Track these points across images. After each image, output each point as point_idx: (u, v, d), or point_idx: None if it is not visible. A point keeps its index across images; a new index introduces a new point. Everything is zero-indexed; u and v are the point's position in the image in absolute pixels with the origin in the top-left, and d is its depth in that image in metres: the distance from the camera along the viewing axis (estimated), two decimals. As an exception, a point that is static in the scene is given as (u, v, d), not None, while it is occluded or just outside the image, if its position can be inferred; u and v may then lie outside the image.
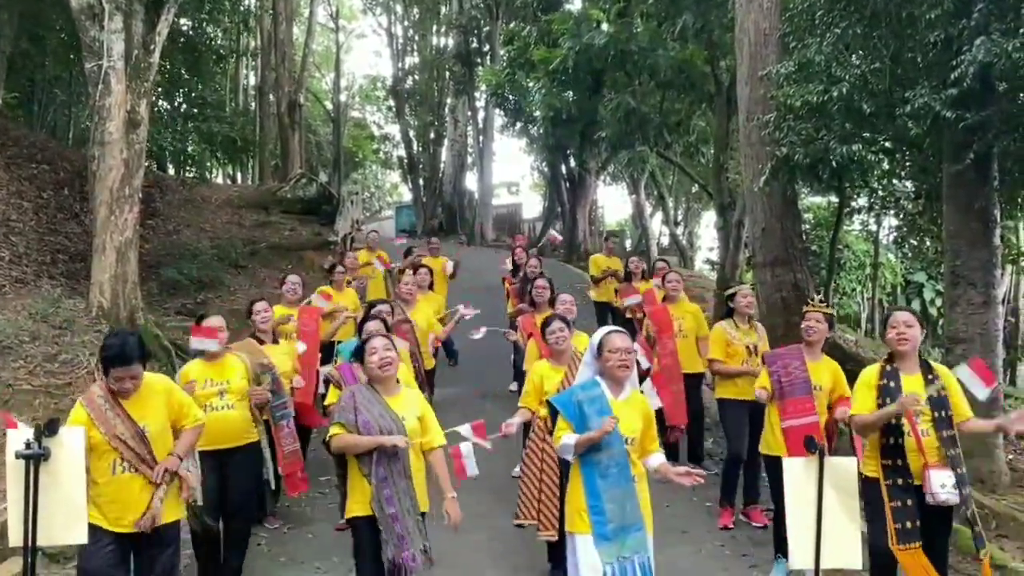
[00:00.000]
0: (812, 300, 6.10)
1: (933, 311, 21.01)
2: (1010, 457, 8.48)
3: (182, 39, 20.36)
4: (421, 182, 34.16)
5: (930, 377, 4.69)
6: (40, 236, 12.54)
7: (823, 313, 5.86)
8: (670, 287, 8.61)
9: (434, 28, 34.55)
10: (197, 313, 12.35)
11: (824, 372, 5.82)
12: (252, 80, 34.19)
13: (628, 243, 32.99)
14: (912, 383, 4.66)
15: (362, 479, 4.30)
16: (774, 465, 5.69)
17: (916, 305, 21.70)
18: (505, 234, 30.14)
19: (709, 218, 33.36)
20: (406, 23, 35.12)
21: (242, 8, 26.60)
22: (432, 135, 34.49)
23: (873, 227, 17.81)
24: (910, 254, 18.18)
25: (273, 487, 6.27)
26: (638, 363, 5.34)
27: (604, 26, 18.18)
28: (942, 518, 4.63)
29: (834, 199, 14.83)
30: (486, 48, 29.55)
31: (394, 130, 38.29)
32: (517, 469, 6.96)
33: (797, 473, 4.32)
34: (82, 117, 19.28)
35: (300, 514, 7.22)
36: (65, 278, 11.65)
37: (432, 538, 6.38)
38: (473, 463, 4.97)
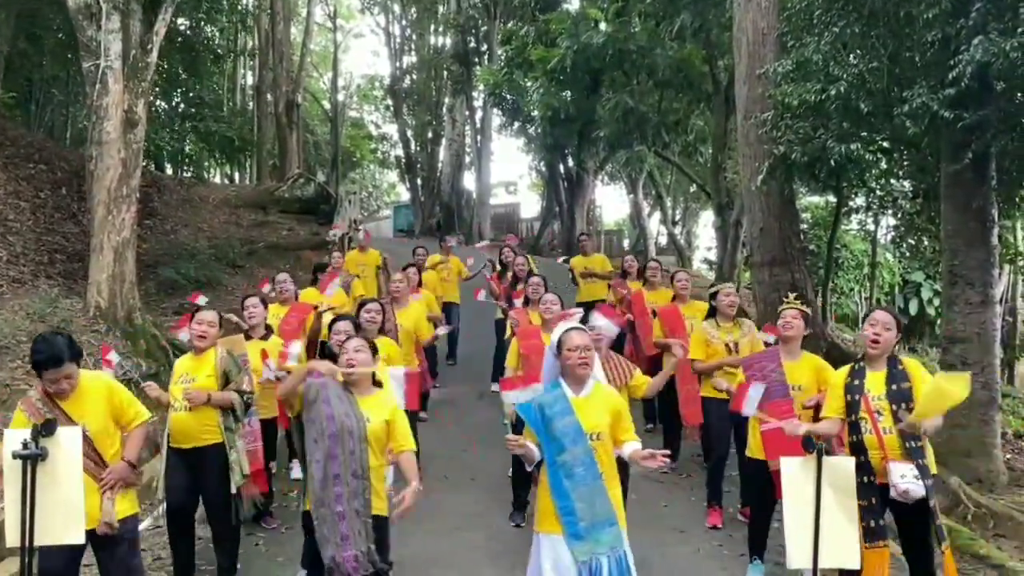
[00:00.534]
0: (787, 298, 6.09)
1: (931, 310, 21.02)
2: (1008, 457, 8.50)
3: (180, 39, 20.36)
4: (419, 182, 34.12)
5: (895, 371, 4.72)
6: (37, 236, 12.53)
7: (799, 310, 5.85)
8: (679, 286, 8.54)
9: (432, 28, 34.50)
10: (193, 310, 12.44)
11: (804, 370, 5.73)
12: (250, 80, 34.13)
13: (626, 243, 33.02)
14: (875, 379, 4.73)
15: None
16: (755, 468, 5.73)
17: (914, 304, 21.71)
18: (503, 234, 30.14)
19: (707, 217, 33.45)
20: (404, 22, 35.08)
21: (240, 8, 26.58)
22: (430, 135, 34.45)
23: (871, 226, 17.81)
24: (908, 253, 18.19)
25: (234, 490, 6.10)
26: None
27: (602, 25, 18.18)
28: (917, 514, 4.61)
29: (832, 199, 14.86)
30: (484, 48, 29.53)
31: (392, 130, 38.29)
32: (511, 469, 6.98)
33: (795, 472, 4.32)
34: (79, 117, 19.27)
35: (297, 514, 7.20)
36: (63, 278, 11.65)
37: (430, 538, 6.41)
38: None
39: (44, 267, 11.79)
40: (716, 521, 6.83)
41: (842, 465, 4.34)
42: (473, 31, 29.54)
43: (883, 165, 11.04)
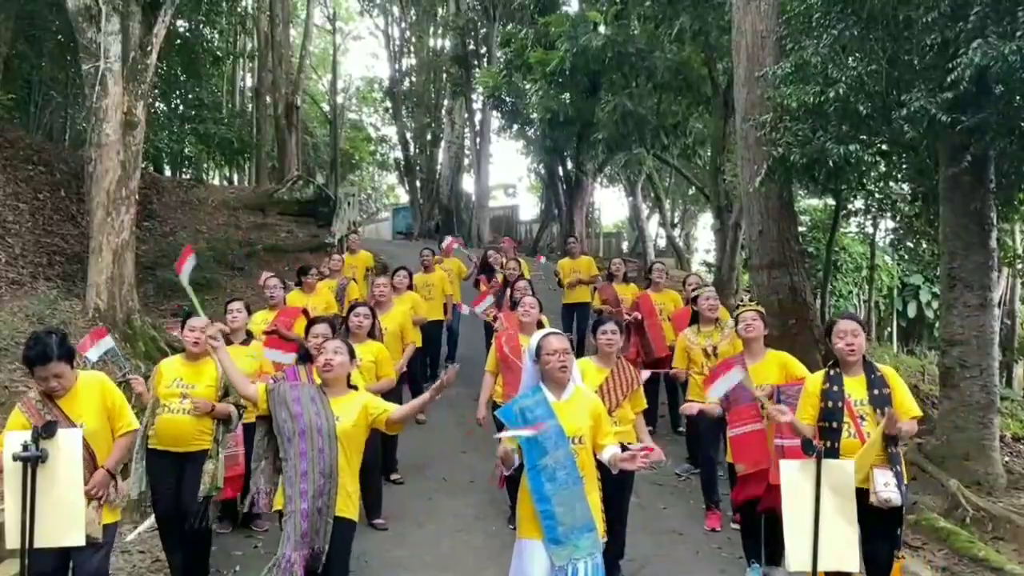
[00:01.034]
0: (743, 301, 6.10)
1: (929, 313, 21.07)
2: (1006, 459, 8.50)
3: (179, 41, 20.37)
4: (418, 184, 34.14)
5: (872, 377, 4.71)
6: (36, 238, 12.53)
7: (756, 311, 5.86)
8: (691, 290, 8.61)
9: (431, 30, 34.53)
10: (184, 316, 12.43)
11: (769, 369, 5.71)
12: (249, 82, 34.14)
13: (625, 245, 33.04)
14: (855, 384, 4.70)
15: None
16: (731, 473, 5.77)
17: (912, 307, 21.76)
18: (501, 235, 30.15)
19: (706, 220, 33.51)
20: (403, 25, 35.11)
21: (239, 10, 26.62)
22: (429, 137, 34.48)
23: (870, 229, 17.82)
24: (906, 256, 18.24)
25: (210, 493, 6.06)
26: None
27: (601, 28, 18.20)
28: (886, 522, 4.59)
29: (831, 201, 14.87)
30: (483, 50, 29.56)
31: (391, 132, 38.35)
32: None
33: (795, 475, 4.32)
34: (79, 119, 19.26)
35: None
36: (61, 280, 11.65)
37: (429, 540, 6.41)
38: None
39: (43, 269, 11.79)
40: (715, 524, 6.84)
41: (841, 468, 4.34)
42: (472, 33, 29.56)
43: (882, 168, 11.05)
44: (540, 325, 6.73)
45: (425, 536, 6.51)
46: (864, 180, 11.42)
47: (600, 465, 4.31)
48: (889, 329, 22.92)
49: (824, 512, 4.19)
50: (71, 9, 10.59)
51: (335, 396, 4.47)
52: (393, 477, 7.72)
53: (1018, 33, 6.42)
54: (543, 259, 16.68)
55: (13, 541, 3.84)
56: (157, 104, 21.27)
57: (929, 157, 9.18)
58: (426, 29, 34.52)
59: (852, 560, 4.28)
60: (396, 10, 34.64)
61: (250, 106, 32.24)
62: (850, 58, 8.29)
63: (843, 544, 4.23)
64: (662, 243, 31.28)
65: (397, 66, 34.66)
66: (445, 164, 33.97)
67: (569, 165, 25.20)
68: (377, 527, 6.71)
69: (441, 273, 11.26)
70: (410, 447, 8.33)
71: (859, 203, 14.56)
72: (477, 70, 28.73)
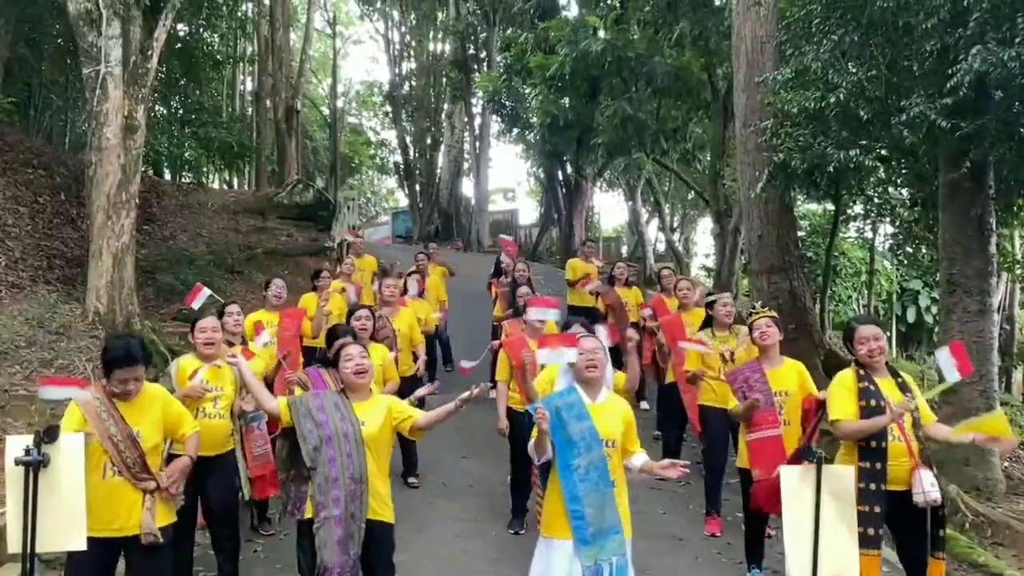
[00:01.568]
0: (755, 308, 6.08)
1: (928, 318, 21.07)
2: (1005, 465, 8.51)
3: (179, 45, 20.36)
4: (417, 188, 34.15)
5: (899, 381, 4.73)
6: (36, 241, 12.51)
7: (770, 317, 5.85)
8: (682, 295, 8.56)
9: (431, 34, 34.58)
10: (192, 319, 12.44)
11: (788, 376, 5.72)
12: (249, 86, 34.13)
13: (624, 250, 33.04)
14: (887, 387, 4.70)
15: None
16: (743, 478, 5.75)
17: (911, 312, 21.76)
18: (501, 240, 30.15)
19: (705, 225, 33.44)
20: (403, 29, 35.14)
21: (239, 14, 26.61)
22: (429, 141, 34.51)
23: (869, 234, 17.87)
24: (906, 261, 18.26)
25: (247, 497, 6.17)
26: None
27: (601, 33, 18.23)
28: (919, 523, 4.63)
29: (830, 206, 14.88)
30: (483, 54, 29.59)
31: (391, 136, 38.39)
32: (509, 477, 6.99)
33: (794, 481, 4.32)
34: (79, 122, 19.25)
35: (295, 521, 7.19)
36: (61, 283, 11.64)
37: (429, 545, 6.41)
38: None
39: (43, 272, 11.77)
40: (715, 529, 6.83)
41: (842, 474, 4.34)
42: (472, 38, 29.60)
43: (881, 173, 11.06)
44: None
45: (425, 541, 6.50)
46: (864, 185, 11.45)
47: None
48: (888, 334, 22.91)
49: (824, 519, 4.19)
50: (72, 13, 10.59)
51: (358, 401, 4.48)
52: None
53: (1017, 39, 6.45)
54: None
55: (15, 545, 3.84)
56: (157, 108, 21.25)
57: (929, 163, 9.20)
58: (426, 33, 34.56)
59: (852, 567, 4.28)
60: (396, 14, 34.68)
61: (250, 110, 32.22)
62: (850, 64, 8.31)
63: (843, 551, 4.23)
64: (661, 247, 31.26)
65: (397, 70, 34.70)
66: (445, 168, 34.00)
67: (569, 169, 25.21)
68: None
69: (435, 278, 11.26)
70: (410, 451, 8.33)
71: (858, 208, 14.58)
72: (477, 74, 28.76)
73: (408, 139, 34.37)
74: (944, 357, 4.64)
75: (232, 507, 5.64)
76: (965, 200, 8.02)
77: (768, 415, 5.56)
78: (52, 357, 9.02)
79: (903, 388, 4.70)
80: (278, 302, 8.37)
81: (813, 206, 18.18)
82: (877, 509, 4.56)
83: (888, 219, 14.45)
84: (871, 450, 4.60)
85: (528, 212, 40.18)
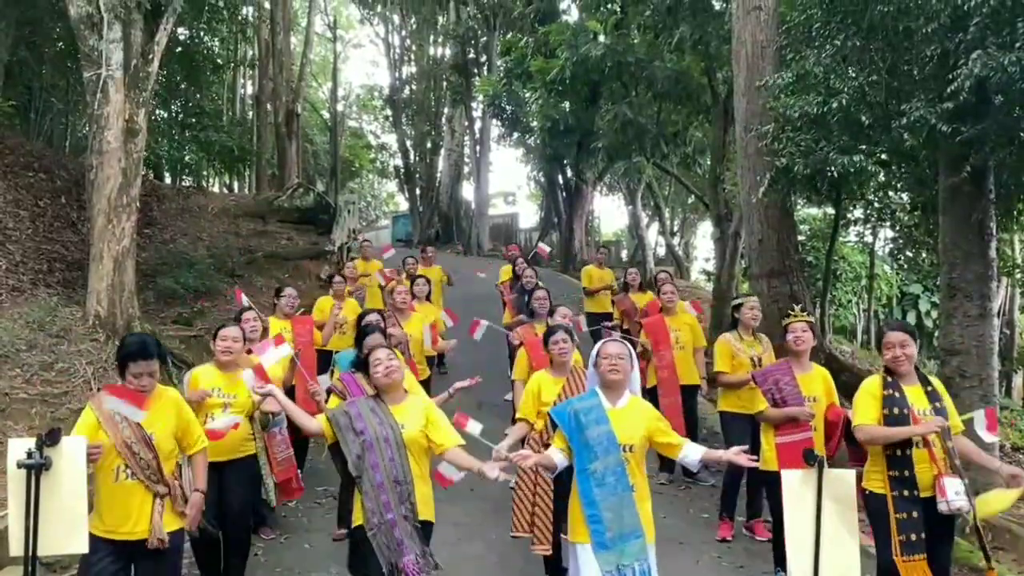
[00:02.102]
0: (793, 311, 6.07)
1: (928, 323, 21.06)
2: (1006, 469, 8.49)
3: (180, 48, 20.38)
4: (418, 192, 34.18)
5: (929, 389, 4.73)
6: (37, 245, 12.52)
7: (806, 322, 5.85)
8: (666, 298, 8.59)
9: (431, 38, 34.62)
10: (193, 322, 12.47)
11: (817, 381, 5.76)
12: (250, 89, 34.20)
13: (624, 253, 33.05)
14: (914, 394, 4.71)
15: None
16: (772, 481, 5.71)
17: (912, 317, 21.75)
18: (501, 243, 30.16)
19: (705, 229, 33.49)
20: (403, 33, 35.19)
21: (240, 18, 26.64)
22: (429, 145, 34.55)
23: (869, 239, 17.88)
24: (906, 266, 18.28)
25: (273, 503, 6.25)
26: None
27: (601, 37, 18.22)
28: (946, 528, 4.65)
29: (830, 211, 14.90)
30: (483, 58, 29.64)
31: (391, 140, 38.48)
32: (512, 480, 6.97)
33: (796, 485, 4.32)
34: (79, 126, 19.28)
35: (297, 524, 7.21)
36: (62, 287, 11.64)
37: (433, 552, 6.39)
38: (453, 470, 4.80)
39: (43, 276, 11.78)
40: (726, 534, 6.81)
41: (843, 478, 4.34)
42: (472, 42, 29.64)
43: (881, 177, 11.07)
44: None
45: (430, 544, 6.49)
46: (864, 190, 11.45)
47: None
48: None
49: (826, 523, 4.20)
50: (73, 16, 10.60)
51: (394, 403, 4.50)
52: None
53: (1017, 44, 6.45)
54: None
55: (16, 548, 3.84)
56: (158, 112, 21.26)
57: (929, 167, 9.20)
58: (426, 37, 34.60)
59: (853, 570, 4.28)
60: (396, 18, 34.73)
61: (250, 114, 32.28)
62: (851, 68, 8.32)
63: (845, 555, 4.23)
64: (661, 252, 31.27)
65: (397, 74, 34.75)
66: (445, 172, 34.04)
67: (569, 173, 25.25)
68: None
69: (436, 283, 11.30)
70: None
71: (859, 212, 14.60)
72: (477, 78, 28.80)
73: (408, 143, 34.41)
74: (979, 417, 5.02)
75: (245, 513, 5.66)
76: (965, 204, 8.02)
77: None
78: (52, 360, 9.02)
79: (932, 396, 4.72)
80: (291, 311, 8.40)
81: (813, 210, 18.20)
82: (915, 514, 4.56)
83: (888, 223, 14.47)
84: (897, 458, 4.62)
85: (528, 216, 40.27)
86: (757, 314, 7.08)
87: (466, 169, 34.44)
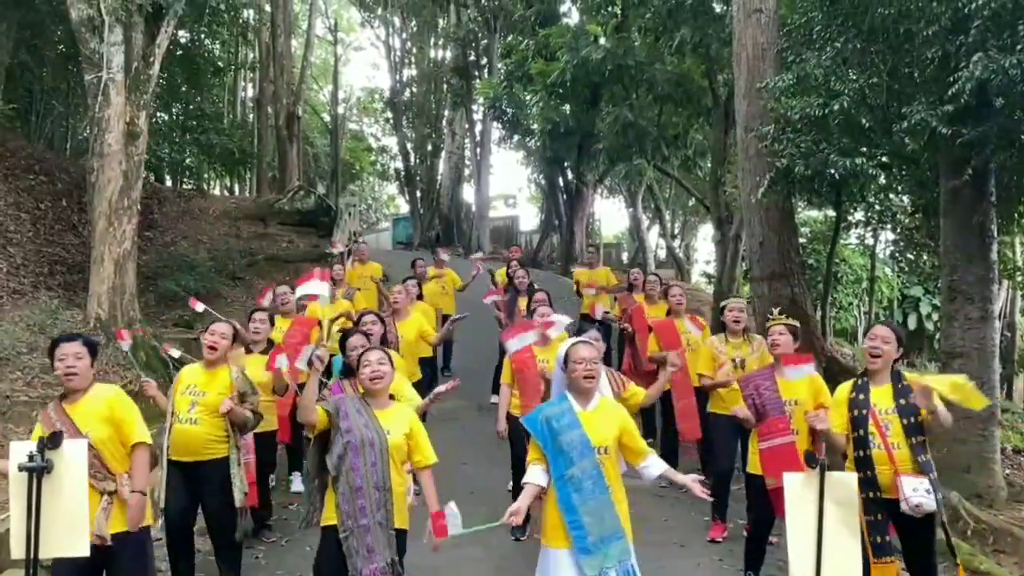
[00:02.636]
0: (772, 314, 6.07)
1: (930, 325, 21.06)
2: (1007, 472, 8.50)
3: (181, 51, 20.41)
4: (418, 194, 34.15)
5: (900, 386, 4.73)
6: (38, 247, 12.54)
7: (785, 325, 5.84)
8: (674, 301, 8.56)
9: (432, 41, 34.59)
10: (194, 325, 12.47)
11: (801, 385, 5.67)
12: (250, 92, 34.21)
13: (625, 256, 33.04)
14: (881, 394, 4.74)
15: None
16: (754, 484, 5.73)
17: (913, 319, 21.75)
18: (502, 246, 30.15)
19: (706, 231, 33.51)
20: (404, 36, 35.16)
21: (241, 21, 26.67)
22: (429, 147, 34.51)
23: (870, 241, 17.86)
24: (907, 268, 18.27)
25: (237, 505, 6.08)
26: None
27: (602, 40, 18.25)
28: (921, 529, 4.63)
29: (831, 213, 14.90)
30: (484, 61, 29.62)
31: (392, 142, 38.36)
32: (511, 484, 6.98)
33: (798, 488, 4.32)
34: (80, 128, 19.30)
35: (295, 527, 7.19)
36: (63, 289, 11.66)
37: (430, 552, 6.38)
38: (458, 523, 4.65)
39: (44, 278, 11.80)
40: (717, 535, 6.83)
41: (845, 481, 4.34)
42: (473, 44, 29.62)
43: (882, 180, 11.07)
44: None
45: (425, 548, 6.48)
46: (865, 192, 11.44)
47: None
48: (889, 340, 22.85)
49: (827, 525, 4.19)
50: (74, 19, 10.62)
51: (379, 408, 4.46)
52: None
53: (1018, 47, 6.45)
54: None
55: (18, 551, 3.84)
56: (159, 114, 21.29)
57: (930, 169, 9.20)
58: (427, 40, 34.58)
59: (855, 573, 4.27)
60: (397, 21, 34.70)
61: (251, 116, 32.29)
62: (851, 71, 8.32)
63: (846, 557, 4.23)
64: (662, 254, 31.29)
65: (398, 77, 34.72)
66: (445, 174, 34.00)
67: (569, 176, 25.22)
68: None
69: (434, 286, 11.27)
70: (411, 458, 8.32)
71: (859, 215, 14.59)
72: (478, 81, 28.77)
73: (409, 145, 34.39)
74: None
75: (225, 517, 5.53)
76: (966, 207, 8.02)
77: (779, 423, 5.55)
78: (53, 363, 9.02)
79: (900, 393, 4.70)
80: (284, 308, 8.39)
81: (814, 213, 18.19)
82: (880, 516, 4.63)
83: (889, 226, 14.46)
84: (859, 460, 4.69)
85: (529, 218, 40.21)
86: (738, 316, 7.05)
87: (467, 171, 34.39)
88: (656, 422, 9.13)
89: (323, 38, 39.69)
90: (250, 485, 6.12)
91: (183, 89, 22.37)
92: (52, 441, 3.88)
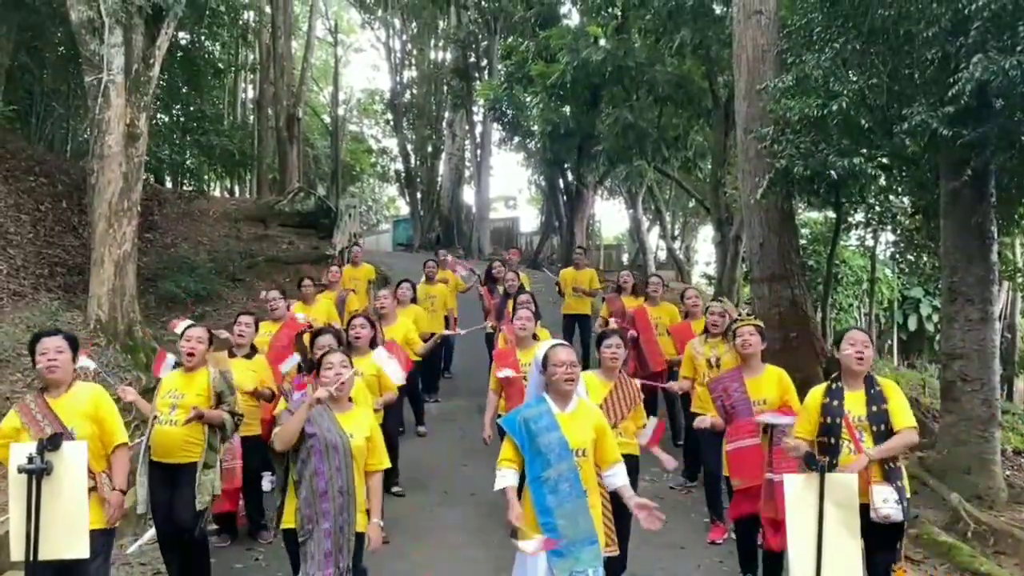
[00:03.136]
0: (740, 315, 6.10)
1: (930, 326, 21.09)
2: (1008, 473, 8.49)
3: (181, 53, 20.43)
4: (419, 196, 34.17)
5: (872, 392, 4.70)
6: (38, 249, 12.54)
7: (753, 326, 5.85)
8: (690, 303, 8.66)
9: (432, 42, 34.64)
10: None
11: (768, 384, 5.70)
12: (251, 94, 34.22)
13: (625, 257, 33.04)
14: (855, 400, 4.70)
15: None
16: (731, 485, 5.77)
17: (913, 320, 21.79)
18: (502, 247, 30.16)
19: (706, 232, 33.52)
20: (404, 37, 35.20)
21: (241, 22, 26.71)
22: (430, 149, 34.54)
23: (870, 242, 17.85)
24: (907, 269, 18.26)
25: (199, 507, 6.01)
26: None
27: (602, 41, 18.26)
28: (884, 537, 4.61)
29: (831, 214, 14.89)
30: (484, 62, 29.64)
31: (392, 144, 38.40)
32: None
33: (798, 489, 4.32)
34: (80, 130, 19.30)
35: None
36: (63, 291, 11.66)
37: (430, 554, 6.40)
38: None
39: (44, 280, 11.79)
40: (716, 537, 6.82)
41: (845, 482, 4.34)
42: (473, 46, 29.65)
43: (882, 181, 11.06)
44: (536, 337, 6.71)
45: (426, 549, 6.49)
46: (865, 193, 11.44)
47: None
48: (890, 342, 22.93)
49: (827, 527, 4.19)
50: (74, 21, 10.63)
51: (341, 412, 4.44)
52: (394, 490, 7.64)
53: (1018, 48, 6.45)
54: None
55: (17, 553, 3.84)
56: (159, 116, 21.31)
57: (930, 171, 9.20)
58: (427, 42, 34.62)
59: (855, 574, 4.27)
60: (397, 23, 34.73)
61: (251, 118, 32.28)
62: (851, 72, 8.32)
63: (846, 558, 4.23)
64: (662, 255, 31.27)
65: (398, 78, 34.75)
66: (446, 176, 34.02)
67: (570, 177, 25.22)
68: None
69: (443, 286, 11.30)
70: (411, 460, 8.33)
71: (860, 216, 14.57)
72: (478, 82, 28.80)
73: (409, 147, 34.42)
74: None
75: (190, 526, 5.41)
76: (966, 208, 8.01)
77: (746, 424, 5.57)
78: (53, 364, 9.01)
79: (873, 400, 4.67)
80: (275, 314, 8.38)
81: (814, 214, 18.20)
82: None
83: (889, 227, 14.44)
84: (834, 466, 4.60)
85: (529, 220, 40.23)
86: (717, 320, 7.09)
87: (467, 173, 34.42)
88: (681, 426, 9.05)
89: (323, 40, 39.72)
90: (234, 491, 6.12)
91: (183, 91, 22.38)
92: (52, 443, 3.88)
